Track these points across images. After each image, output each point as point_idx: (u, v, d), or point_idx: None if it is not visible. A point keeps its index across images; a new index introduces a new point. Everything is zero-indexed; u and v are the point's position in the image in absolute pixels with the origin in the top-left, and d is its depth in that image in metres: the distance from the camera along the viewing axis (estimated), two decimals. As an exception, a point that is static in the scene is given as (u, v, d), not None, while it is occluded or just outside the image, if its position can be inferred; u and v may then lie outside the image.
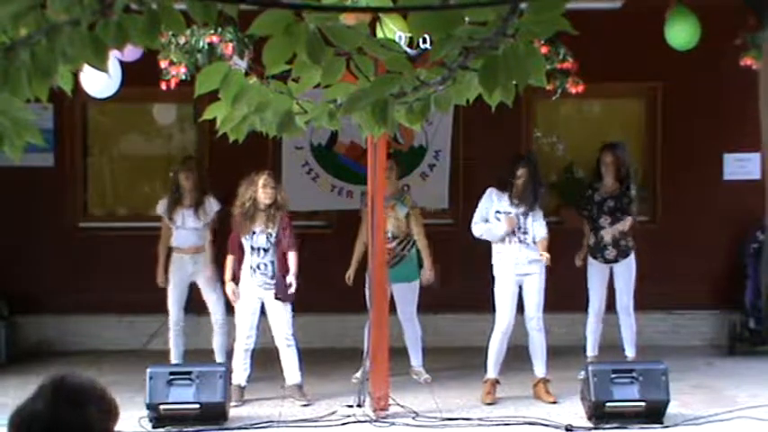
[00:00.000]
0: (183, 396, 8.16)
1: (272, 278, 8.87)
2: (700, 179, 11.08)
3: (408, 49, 3.50)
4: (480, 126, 10.19)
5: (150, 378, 8.20)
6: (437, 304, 10.40)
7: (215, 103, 3.47)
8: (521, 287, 8.90)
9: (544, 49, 8.21)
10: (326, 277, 9.80)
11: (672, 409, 8.22)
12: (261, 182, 8.86)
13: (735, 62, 8.94)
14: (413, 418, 8.37)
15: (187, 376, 8.24)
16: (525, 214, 8.86)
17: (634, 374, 8.21)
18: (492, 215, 8.90)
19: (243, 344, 8.87)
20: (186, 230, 9.54)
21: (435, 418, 8.38)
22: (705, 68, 10.38)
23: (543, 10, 2.79)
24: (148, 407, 8.11)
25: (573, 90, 8.96)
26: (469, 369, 9.56)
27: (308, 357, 9.42)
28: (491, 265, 8.95)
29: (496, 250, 8.94)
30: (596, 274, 9.64)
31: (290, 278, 8.78)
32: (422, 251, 9.55)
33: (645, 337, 10.47)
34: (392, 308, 9.28)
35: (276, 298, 8.81)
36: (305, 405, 8.73)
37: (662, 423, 8.13)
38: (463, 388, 9.18)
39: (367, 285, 9.29)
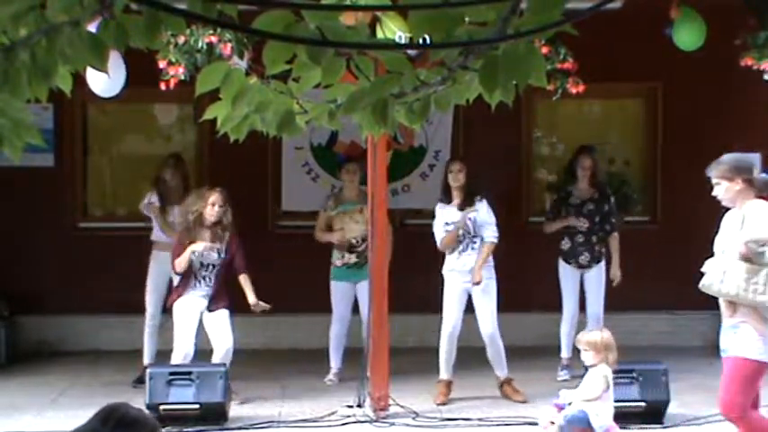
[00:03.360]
0: (183, 396, 8.16)
1: (213, 291, 8.80)
2: (700, 179, 11.05)
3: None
4: (480, 126, 10.20)
5: (150, 378, 8.20)
6: (436, 304, 10.40)
7: (215, 103, 3.47)
8: (470, 293, 8.97)
9: (544, 49, 8.21)
10: (326, 277, 9.80)
11: (672, 409, 8.23)
12: (211, 199, 8.75)
13: (735, 62, 8.94)
14: (413, 418, 8.37)
15: (187, 376, 8.24)
16: (472, 219, 8.89)
17: (634, 374, 8.21)
18: (441, 228, 8.95)
19: (182, 354, 8.67)
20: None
21: (435, 418, 8.38)
22: (705, 68, 10.38)
23: (543, 10, 2.79)
24: (148, 407, 8.09)
25: (573, 90, 8.96)
26: (468, 369, 9.54)
27: (308, 357, 9.46)
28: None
29: (448, 256, 8.98)
30: (569, 279, 9.63)
31: (256, 301, 8.70)
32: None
33: (645, 337, 10.49)
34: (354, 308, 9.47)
35: (210, 310, 8.76)
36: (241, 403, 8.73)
37: (662, 423, 8.14)
38: (463, 388, 9.18)
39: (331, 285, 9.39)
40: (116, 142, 11.81)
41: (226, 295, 8.82)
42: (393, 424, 8.26)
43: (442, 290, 9.03)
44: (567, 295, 9.64)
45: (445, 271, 9.02)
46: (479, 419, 8.34)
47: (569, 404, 7.27)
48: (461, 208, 8.92)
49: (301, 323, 10.80)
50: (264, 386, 9.23)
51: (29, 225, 11.08)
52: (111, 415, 2.78)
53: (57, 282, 11.02)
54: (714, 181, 6.28)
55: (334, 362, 9.64)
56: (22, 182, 10.77)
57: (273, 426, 8.28)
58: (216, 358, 8.62)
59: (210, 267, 8.80)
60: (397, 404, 8.53)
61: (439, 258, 9.86)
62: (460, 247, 8.92)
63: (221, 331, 8.69)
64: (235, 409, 8.53)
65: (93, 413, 2.90)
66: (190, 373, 8.28)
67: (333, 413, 8.49)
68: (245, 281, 8.78)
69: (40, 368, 10.29)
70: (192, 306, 8.75)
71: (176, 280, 8.93)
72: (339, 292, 9.58)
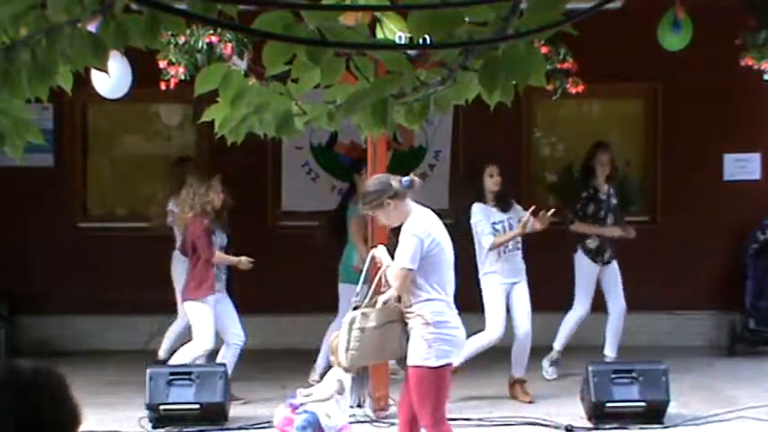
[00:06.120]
0: (183, 396, 8.16)
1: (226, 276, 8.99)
2: (700, 179, 11.08)
3: (408, 50, 3.50)
4: (480, 126, 10.19)
5: (150, 378, 8.20)
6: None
7: (214, 104, 3.47)
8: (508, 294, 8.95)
9: (544, 49, 8.21)
10: (326, 278, 9.79)
11: (672, 409, 8.22)
12: (218, 187, 8.82)
13: (735, 62, 8.94)
14: (413, 418, 8.36)
15: (187, 376, 8.24)
16: (512, 218, 8.91)
17: (634, 374, 8.21)
18: (489, 227, 8.86)
19: (202, 350, 8.74)
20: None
21: (435, 418, 8.37)
22: (705, 68, 10.38)
23: (543, 10, 2.79)
24: (148, 407, 8.11)
25: (573, 90, 8.96)
26: (468, 369, 9.53)
27: (308, 357, 9.43)
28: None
29: (492, 259, 8.87)
30: (592, 277, 9.62)
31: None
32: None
33: (645, 338, 10.48)
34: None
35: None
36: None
37: (662, 423, 8.13)
38: (463, 388, 9.16)
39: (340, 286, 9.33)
40: (116, 142, 11.81)
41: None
42: (393, 424, 8.22)
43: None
44: (587, 293, 9.57)
45: (488, 272, 8.85)
46: (479, 419, 8.33)
47: (302, 404, 7.31)
48: (503, 210, 8.90)
49: (301, 323, 10.79)
50: (264, 386, 9.22)
51: (29, 225, 11.08)
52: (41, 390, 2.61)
53: (57, 282, 11.01)
54: (374, 215, 6.34)
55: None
56: (22, 182, 10.76)
57: (273, 426, 8.28)
58: (230, 349, 8.76)
59: (222, 251, 8.91)
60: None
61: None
62: (508, 246, 8.87)
63: (235, 320, 8.84)
64: (235, 409, 8.53)
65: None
66: (190, 373, 8.28)
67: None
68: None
69: (40, 368, 10.28)
70: (210, 301, 8.80)
71: (183, 272, 9.04)
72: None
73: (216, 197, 8.78)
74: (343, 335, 6.35)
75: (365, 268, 6.66)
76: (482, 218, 8.85)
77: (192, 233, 8.80)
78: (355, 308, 6.36)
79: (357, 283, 9.06)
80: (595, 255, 9.62)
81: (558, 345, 9.61)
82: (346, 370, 7.07)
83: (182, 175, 9.58)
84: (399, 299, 6.32)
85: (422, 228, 6.17)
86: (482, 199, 8.92)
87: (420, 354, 6.10)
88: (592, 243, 9.62)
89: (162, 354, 9.43)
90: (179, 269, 9.43)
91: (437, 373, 6.10)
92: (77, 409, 2.57)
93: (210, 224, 8.79)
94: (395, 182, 6.26)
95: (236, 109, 3.40)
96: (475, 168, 9.13)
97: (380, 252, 6.51)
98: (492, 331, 8.80)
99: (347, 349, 6.30)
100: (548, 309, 9.30)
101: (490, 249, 8.77)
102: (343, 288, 9.25)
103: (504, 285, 8.88)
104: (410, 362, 6.16)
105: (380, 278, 6.51)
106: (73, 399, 2.57)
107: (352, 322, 6.28)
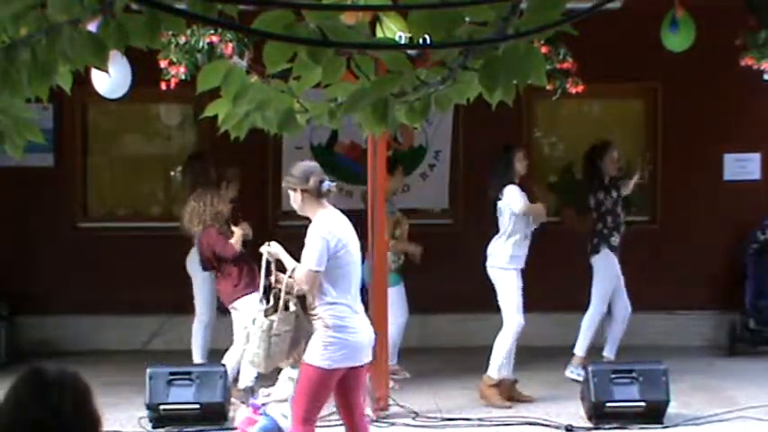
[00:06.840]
0: (183, 396, 8.17)
1: None
2: (700, 179, 11.09)
3: (408, 49, 3.50)
4: (480, 126, 10.20)
5: (150, 378, 8.19)
6: (437, 304, 10.40)
7: (216, 100, 3.48)
8: None
9: (544, 49, 8.21)
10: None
11: (672, 409, 8.23)
12: (227, 196, 8.82)
13: (734, 62, 8.94)
14: (413, 418, 8.37)
15: (187, 376, 8.24)
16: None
17: (634, 375, 8.21)
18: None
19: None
20: None
21: (435, 418, 8.39)
22: (705, 68, 10.38)
23: (543, 10, 2.80)
24: (148, 407, 8.11)
25: (573, 90, 8.96)
26: (469, 369, 9.54)
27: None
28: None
29: (515, 245, 8.81)
30: (616, 274, 9.54)
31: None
32: (402, 248, 9.52)
33: (645, 338, 10.48)
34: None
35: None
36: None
37: (662, 423, 8.14)
38: (463, 388, 9.18)
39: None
40: (116, 142, 11.81)
41: None
42: (393, 424, 8.26)
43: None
44: (608, 291, 9.49)
45: (507, 262, 8.77)
46: (479, 419, 8.34)
47: (264, 405, 7.33)
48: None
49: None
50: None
51: (29, 225, 11.08)
52: (63, 393, 2.63)
53: (57, 282, 11.01)
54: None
55: None
56: (21, 182, 10.77)
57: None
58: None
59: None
60: (397, 404, 8.53)
61: (433, 259, 9.82)
62: (525, 234, 8.85)
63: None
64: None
65: (26, 390, 2.63)
66: (190, 373, 8.28)
67: (333, 413, 8.47)
68: None
69: (40, 368, 10.28)
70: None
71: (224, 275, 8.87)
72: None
73: (225, 207, 8.74)
74: (258, 341, 6.30)
75: (263, 268, 6.54)
76: (522, 198, 8.78)
77: (206, 244, 8.63)
78: (265, 312, 6.33)
79: (396, 285, 9.11)
80: (617, 251, 9.54)
81: (582, 351, 9.48)
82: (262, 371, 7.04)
83: (198, 171, 9.55)
84: (288, 293, 6.31)
85: (327, 229, 6.08)
86: (512, 181, 8.88)
87: (316, 353, 6.05)
88: (615, 240, 9.53)
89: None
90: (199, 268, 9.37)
91: (325, 374, 6.05)
92: (98, 414, 2.60)
93: (221, 229, 8.71)
94: (314, 179, 6.16)
95: (239, 106, 3.41)
96: (507, 152, 9.02)
97: (276, 248, 6.46)
98: (513, 322, 8.67)
99: (267, 356, 6.31)
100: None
101: (524, 214, 8.74)
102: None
103: (520, 274, 8.80)
104: (305, 358, 6.12)
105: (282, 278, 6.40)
106: (94, 404, 2.60)
107: (269, 329, 6.27)
